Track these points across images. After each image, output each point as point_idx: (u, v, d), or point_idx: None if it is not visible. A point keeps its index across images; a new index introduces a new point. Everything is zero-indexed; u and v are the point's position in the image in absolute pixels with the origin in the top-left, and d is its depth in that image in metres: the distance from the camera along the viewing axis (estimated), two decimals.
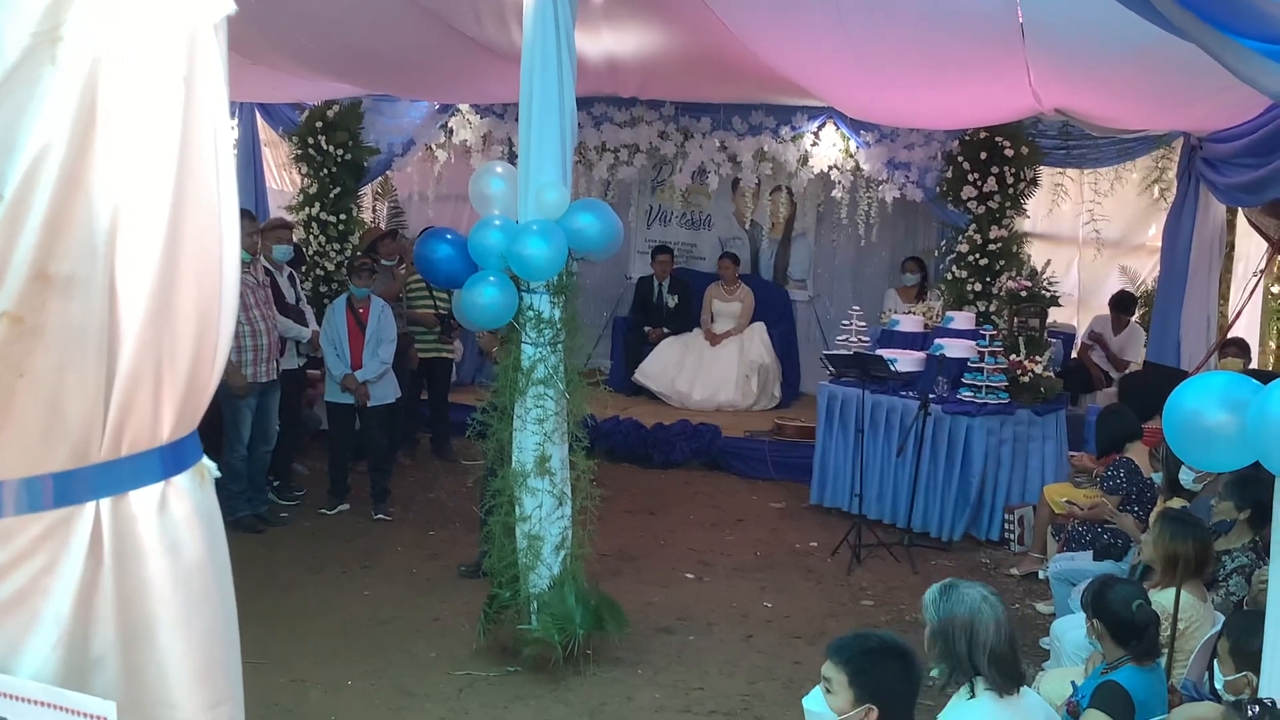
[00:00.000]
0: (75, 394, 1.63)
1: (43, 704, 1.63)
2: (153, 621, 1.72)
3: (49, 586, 1.65)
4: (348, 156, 10.71)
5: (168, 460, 1.75)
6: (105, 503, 1.68)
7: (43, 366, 1.61)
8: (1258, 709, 3.11)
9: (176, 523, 1.76)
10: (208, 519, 1.82)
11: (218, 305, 1.78)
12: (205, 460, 1.84)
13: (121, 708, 1.64)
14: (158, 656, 1.73)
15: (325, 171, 10.72)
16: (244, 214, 7.97)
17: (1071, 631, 5.38)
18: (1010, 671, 3.50)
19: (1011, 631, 3.55)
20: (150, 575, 1.72)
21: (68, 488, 1.65)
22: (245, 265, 7.70)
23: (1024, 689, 3.62)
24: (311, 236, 10.70)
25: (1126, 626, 4.11)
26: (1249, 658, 3.67)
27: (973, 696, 3.52)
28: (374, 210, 12.78)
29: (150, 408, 1.71)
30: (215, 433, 7.52)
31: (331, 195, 10.72)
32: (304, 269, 10.25)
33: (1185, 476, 6.13)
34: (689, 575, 7.46)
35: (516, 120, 6.10)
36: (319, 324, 8.66)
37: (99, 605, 1.68)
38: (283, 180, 12.59)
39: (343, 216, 10.83)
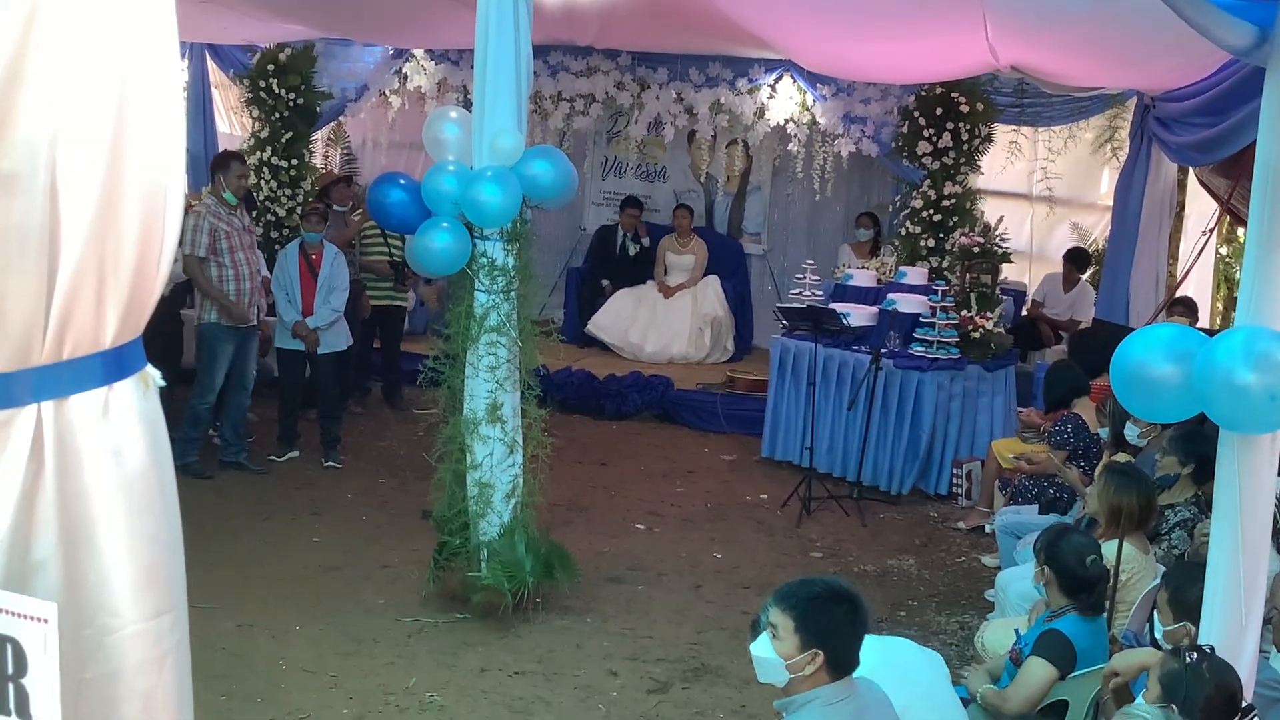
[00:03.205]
0: (15, 295, 1.60)
1: None
2: (94, 528, 1.71)
3: None
4: (300, 101, 10.55)
5: (110, 365, 1.73)
6: (47, 406, 1.66)
7: None
8: (1195, 655, 3.16)
9: (119, 428, 1.74)
10: (151, 426, 1.80)
11: (163, 210, 1.75)
12: (149, 368, 1.82)
13: (63, 614, 1.63)
14: (99, 563, 1.72)
15: (277, 116, 10.56)
16: (233, 156, 7.93)
17: (1016, 583, 5.45)
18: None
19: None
20: (92, 481, 1.70)
21: (8, 390, 1.63)
22: (232, 208, 7.72)
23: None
24: (263, 181, 10.55)
25: (1076, 579, 4.16)
26: (1187, 608, 3.73)
27: None
28: (326, 157, 12.64)
29: (93, 312, 1.68)
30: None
31: (283, 140, 10.57)
32: (254, 214, 10.12)
33: (1130, 431, 6.20)
34: (639, 526, 7.49)
35: (472, 67, 6.03)
36: (269, 270, 8.56)
37: (40, 509, 1.66)
38: (233, 124, 12.41)
39: (294, 162, 10.68)
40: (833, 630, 3.09)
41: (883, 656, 3.62)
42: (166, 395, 1.87)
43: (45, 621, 1.60)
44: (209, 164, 8.35)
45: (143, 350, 1.80)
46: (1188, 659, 3.14)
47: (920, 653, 3.88)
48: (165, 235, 1.75)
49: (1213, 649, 3.23)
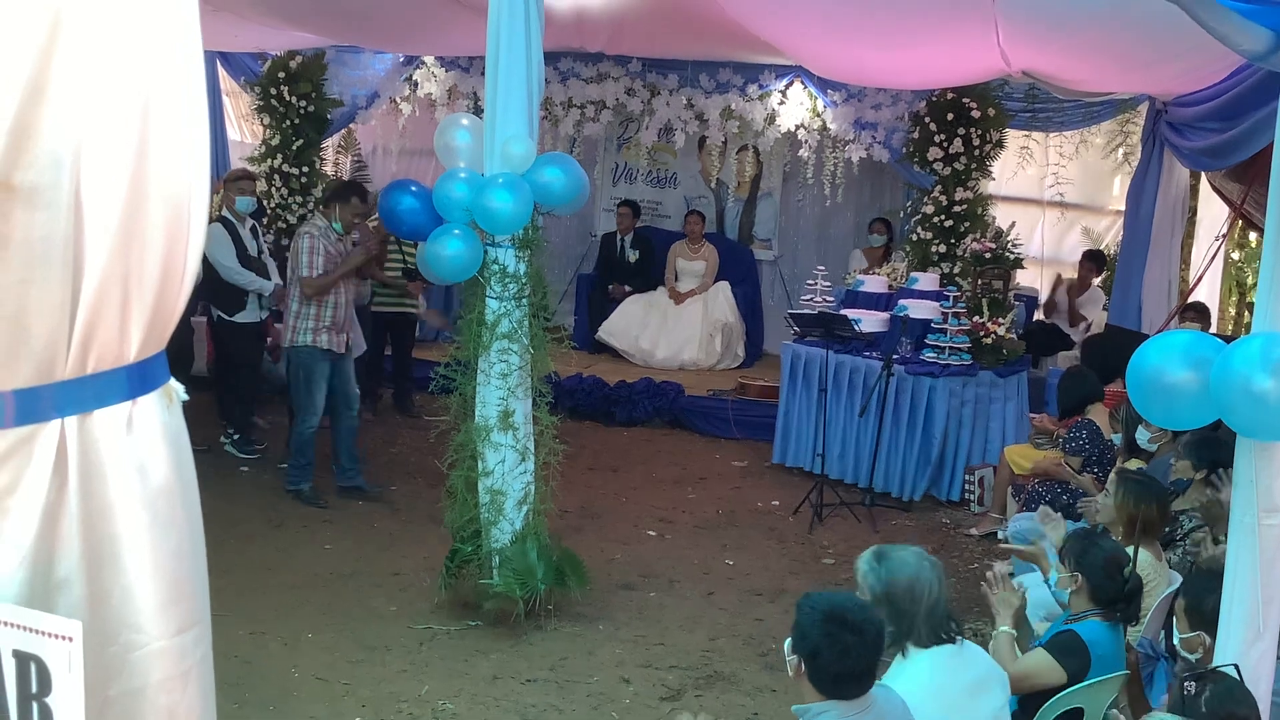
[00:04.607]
0: (39, 309, 1.59)
1: (7, 623, 1.60)
2: (118, 544, 1.69)
3: (11, 507, 1.62)
4: (310, 108, 10.57)
5: (134, 380, 1.72)
6: (70, 421, 1.65)
7: (5, 280, 1.57)
8: (1195, 685, 3.12)
9: (143, 443, 1.72)
10: (175, 441, 1.79)
11: (187, 223, 1.74)
12: (173, 382, 1.81)
13: (88, 631, 1.62)
14: (123, 579, 1.71)
15: (288, 123, 10.59)
16: (355, 190, 7.79)
17: (1030, 590, 5.42)
18: (941, 627, 3.57)
19: (944, 587, 3.63)
20: (116, 496, 1.69)
21: (31, 405, 1.61)
22: (340, 237, 7.54)
23: (965, 642, 3.66)
24: (274, 189, 10.58)
25: (1113, 590, 4.12)
26: (1203, 618, 3.72)
27: (904, 657, 3.57)
28: (336, 164, 12.66)
29: (117, 325, 1.67)
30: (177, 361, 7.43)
31: (294, 147, 10.59)
32: (265, 221, 10.15)
33: (1141, 436, 6.18)
34: (651, 532, 7.48)
35: (482, 74, 6.04)
36: (282, 277, 8.55)
37: (64, 526, 1.65)
38: (243, 131, 12.44)
39: (305, 169, 10.71)
40: (812, 647, 3.11)
41: (956, 666, 3.59)
42: (188, 407, 1.86)
43: (70, 640, 1.59)
44: (332, 192, 8.13)
45: (166, 364, 1.79)
46: (1186, 690, 3.11)
47: (991, 667, 3.81)
48: (189, 247, 1.75)
49: (1237, 670, 3.19)
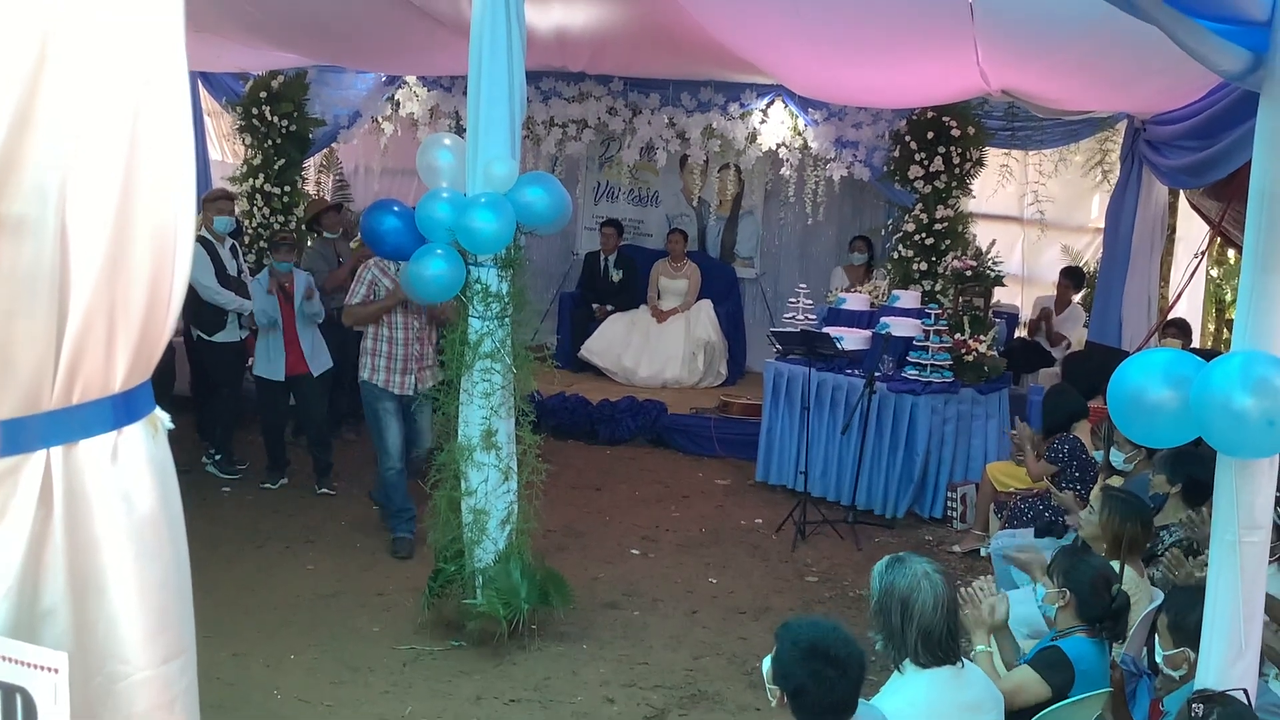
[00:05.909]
0: (25, 340, 1.58)
1: None
2: (104, 574, 1.69)
3: None
4: (292, 128, 10.59)
5: (120, 409, 1.71)
6: (56, 451, 1.64)
7: None
8: (1202, 708, 3.12)
9: (128, 473, 1.72)
10: (160, 471, 1.78)
11: (173, 253, 1.74)
12: (158, 411, 1.81)
13: (73, 661, 1.61)
14: (109, 610, 1.70)
15: (270, 143, 10.60)
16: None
17: (1015, 607, 5.43)
18: (938, 649, 3.54)
19: (950, 610, 3.59)
20: (101, 526, 1.68)
21: (17, 436, 1.61)
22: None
23: (967, 664, 3.65)
24: (255, 209, 10.57)
25: (1102, 607, 4.13)
26: (1186, 634, 3.72)
27: (901, 673, 3.57)
28: (318, 183, 12.65)
29: (103, 355, 1.67)
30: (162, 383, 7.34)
31: (276, 167, 10.60)
32: (245, 241, 10.13)
33: (1116, 458, 6.19)
34: (634, 551, 7.47)
35: (464, 94, 6.04)
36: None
37: (49, 556, 1.64)
38: (225, 151, 12.43)
39: (287, 189, 10.71)
40: (795, 681, 3.11)
41: (954, 687, 3.59)
42: (173, 436, 1.85)
43: (56, 671, 1.57)
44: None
45: (152, 393, 1.78)
46: (1194, 712, 3.11)
47: (988, 691, 3.81)
48: (175, 277, 1.74)
49: (1246, 695, 3.19)
